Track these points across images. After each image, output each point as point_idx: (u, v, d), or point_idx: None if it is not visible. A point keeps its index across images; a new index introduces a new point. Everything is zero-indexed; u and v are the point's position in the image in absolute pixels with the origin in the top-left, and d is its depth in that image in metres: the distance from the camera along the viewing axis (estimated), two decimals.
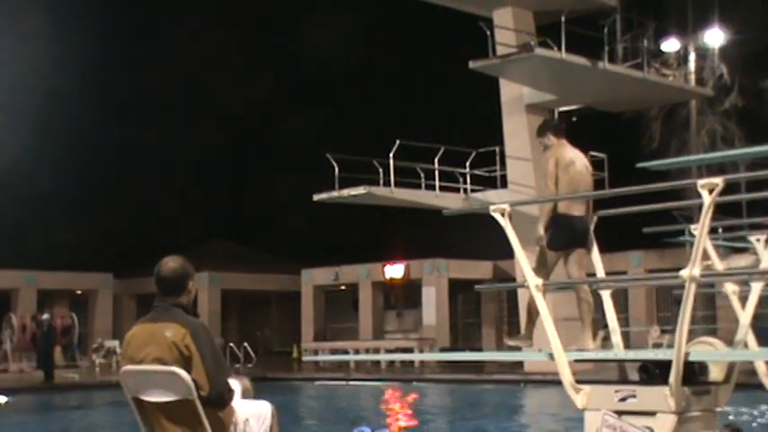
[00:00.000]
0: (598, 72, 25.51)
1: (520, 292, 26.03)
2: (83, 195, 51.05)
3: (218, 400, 5.50)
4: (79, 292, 42.35)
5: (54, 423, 18.26)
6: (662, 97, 29.73)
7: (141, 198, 52.90)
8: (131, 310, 44.23)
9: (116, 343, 34.94)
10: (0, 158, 40.40)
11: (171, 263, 5.85)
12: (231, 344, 34.62)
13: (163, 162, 53.43)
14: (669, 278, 6.26)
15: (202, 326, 5.69)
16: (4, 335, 34.35)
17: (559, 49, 24.64)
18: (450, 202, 26.26)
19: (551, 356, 5.82)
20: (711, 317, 27.89)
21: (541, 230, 8.14)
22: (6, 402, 22.79)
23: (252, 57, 55.92)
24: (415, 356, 29.69)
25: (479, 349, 35.04)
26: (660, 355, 6.01)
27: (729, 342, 6.27)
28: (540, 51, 24.72)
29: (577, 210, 8.03)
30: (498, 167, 27.66)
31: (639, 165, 6.60)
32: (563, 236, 8.01)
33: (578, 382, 5.69)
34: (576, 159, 8.48)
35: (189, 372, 5.42)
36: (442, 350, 33.15)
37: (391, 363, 31.88)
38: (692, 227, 6.97)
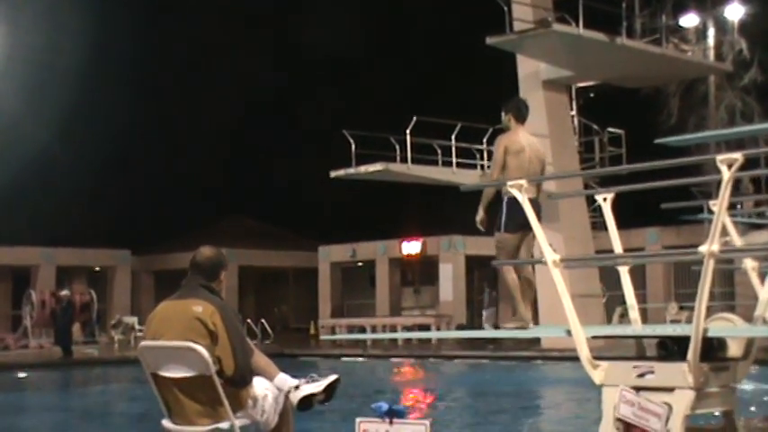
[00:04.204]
0: (616, 48, 25.35)
1: (537, 268, 26.01)
2: (101, 172, 51.23)
3: (241, 381, 5.56)
4: (97, 268, 42.57)
5: (72, 398, 18.41)
6: (680, 73, 29.55)
7: (160, 174, 53.04)
8: (149, 287, 44.46)
9: (134, 319, 35.15)
10: (18, 136, 40.56)
11: (207, 251, 5.95)
12: (248, 320, 34.75)
13: (182, 138, 53.54)
14: (687, 254, 6.23)
15: (230, 307, 5.75)
16: (24, 311, 34.61)
17: (577, 24, 24.49)
18: (467, 178, 26.21)
19: (569, 333, 5.81)
20: (730, 293, 27.80)
21: (482, 213, 8.56)
22: (24, 377, 23.02)
23: (272, 35, 55.88)
24: (432, 334, 29.74)
25: (496, 326, 34.97)
26: (678, 330, 6.00)
27: (748, 318, 6.24)
28: (557, 27, 24.57)
29: (528, 193, 8.20)
30: None
31: (657, 141, 6.56)
32: (517, 219, 8.17)
33: (596, 358, 5.68)
34: (528, 146, 8.73)
35: (214, 349, 5.46)
36: (459, 327, 33.15)
37: (408, 339, 31.93)
38: (711, 203, 6.93)
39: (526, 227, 8.20)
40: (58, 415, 15.06)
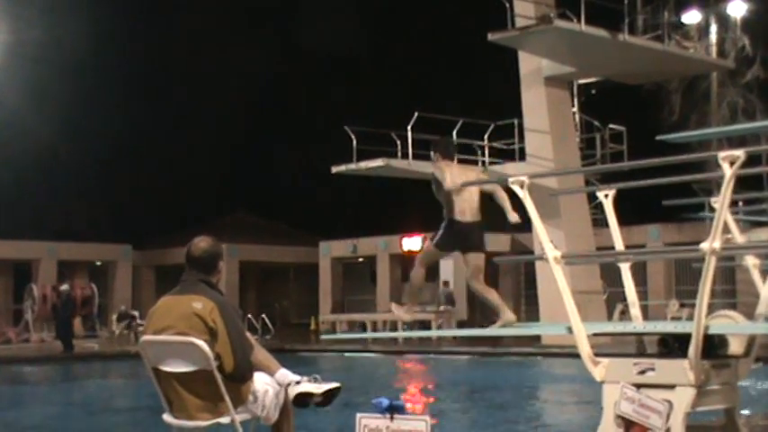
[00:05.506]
0: (618, 44, 25.32)
1: (538, 264, 26.02)
2: (103, 166, 51.26)
3: (241, 377, 5.57)
4: (99, 263, 42.59)
5: (72, 392, 18.41)
6: (682, 69, 29.50)
7: (161, 169, 53.05)
8: (151, 282, 44.49)
9: (135, 314, 35.16)
10: (20, 130, 40.55)
11: (202, 243, 5.85)
12: (249, 315, 34.75)
13: (183, 134, 53.54)
14: (689, 251, 6.23)
15: (230, 303, 5.73)
16: (26, 305, 34.64)
17: (579, 20, 24.47)
18: None
19: (570, 329, 5.81)
20: (731, 291, 27.80)
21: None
22: (26, 371, 23.03)
23: (273, 31, 55.84)
24: (433, 333, 29.74)
25: (496, 322, 34.97)
26: (679, 328, 6.00)
27: (749, 315, 6.24)
28: (559, 23, 24.55)
29: (469, 216, 8.66)
30: (517, 140, 27.61)
31: (659, 137, 6.56)
32: (445, 237, 8.72)
33: (596, 355, 5.68)
34: (462, 172, 8.93)
35: (213, 345, 5.46)
36: (460, 323, 33.17)
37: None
38: (713, 200, 6.93)
39: (454, 247, 8.84)
40: (57, 408, 15.07)
